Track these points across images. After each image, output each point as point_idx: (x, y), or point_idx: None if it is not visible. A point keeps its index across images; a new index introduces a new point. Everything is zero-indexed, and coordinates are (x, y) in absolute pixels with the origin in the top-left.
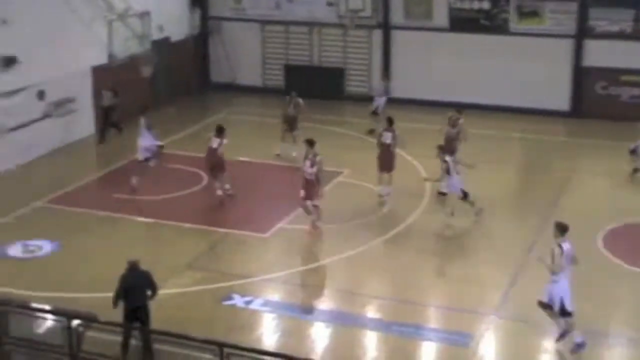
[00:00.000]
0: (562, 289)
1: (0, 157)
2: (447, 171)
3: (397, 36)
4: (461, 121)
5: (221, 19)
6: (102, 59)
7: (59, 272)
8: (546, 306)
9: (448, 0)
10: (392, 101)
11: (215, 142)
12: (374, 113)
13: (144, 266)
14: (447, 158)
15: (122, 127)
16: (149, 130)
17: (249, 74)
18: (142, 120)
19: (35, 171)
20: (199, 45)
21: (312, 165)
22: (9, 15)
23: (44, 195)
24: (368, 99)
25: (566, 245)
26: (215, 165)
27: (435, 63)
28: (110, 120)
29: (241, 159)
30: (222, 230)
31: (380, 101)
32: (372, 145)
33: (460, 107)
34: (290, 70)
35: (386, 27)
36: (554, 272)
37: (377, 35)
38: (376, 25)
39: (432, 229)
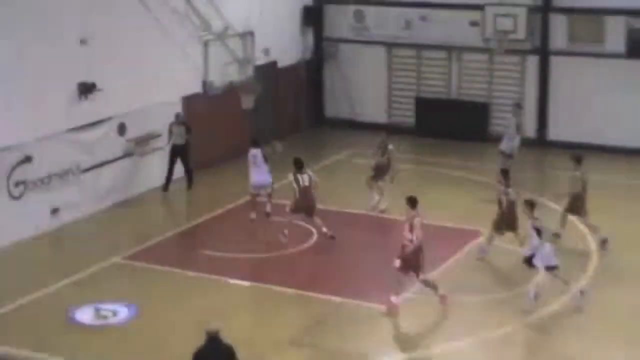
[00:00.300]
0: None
1: (71, 202)
2: (538, 233)
3: (558, 64)
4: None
5: (339, 40)
6: (195, 87)
7: (135, 344)
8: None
9: (626, 19)
10: (544, 144)
11: (305, 179)
12: (504, 154)
13: (236, 340)
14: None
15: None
16: (266, 163)
17: (372, 108)
18: (256, 152)
19: (112, 220)
20: (312, 72)
21: (411, 230)
22: (89, 34)
23: (121, 250)
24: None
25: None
26: (312, 205)
27: (606, 97)
28: (185, 163)
29: (362, 212)
30: (334, 299)
31: (511, 142)
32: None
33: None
34: (422, 105)
35: (544, 53)
36: None
37: (533, 62)
38: (531, 50)
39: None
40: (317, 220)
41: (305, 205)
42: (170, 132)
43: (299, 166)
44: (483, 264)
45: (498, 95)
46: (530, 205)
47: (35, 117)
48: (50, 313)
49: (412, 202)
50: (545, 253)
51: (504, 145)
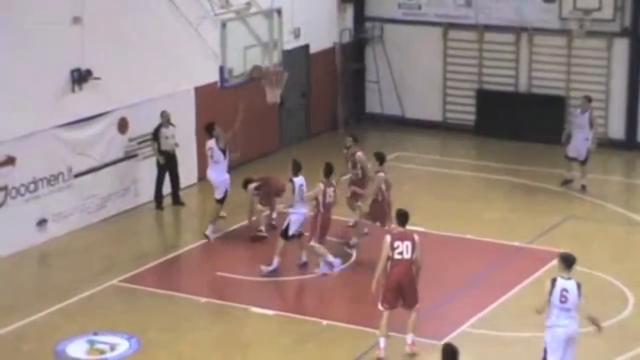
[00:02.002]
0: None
1: (61, 213)
2: None
3: None
4: (360, 154)
5: (384, 20)
6: (211, 76)
7: None
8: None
9: None
10: (633, 147)
11: (330, 194)
12: (570, 158)
13: None
14: None
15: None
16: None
17: (424, 103)
18: (211, 143)
19: (109, 234)
20: (351, 58)
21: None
22: (85, 11)
23: (120, 270)
24: (603, 144)
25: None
26: (328, 225)
27: None
28: (176, 174)
29: (410, 228)
30: (377, 332)
31: (582, 142)
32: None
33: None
34: (485, 99)
35: (635, 35)
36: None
37: (622, 46)
38: (620, 32)
39: None
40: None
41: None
42: (157, 136)
43: (327, 174)
44: None
45: (578, 88)
46: None
47: (19, 111)
48: (36, 346)
49: (380, 158)
50: None
51: (573, 151)
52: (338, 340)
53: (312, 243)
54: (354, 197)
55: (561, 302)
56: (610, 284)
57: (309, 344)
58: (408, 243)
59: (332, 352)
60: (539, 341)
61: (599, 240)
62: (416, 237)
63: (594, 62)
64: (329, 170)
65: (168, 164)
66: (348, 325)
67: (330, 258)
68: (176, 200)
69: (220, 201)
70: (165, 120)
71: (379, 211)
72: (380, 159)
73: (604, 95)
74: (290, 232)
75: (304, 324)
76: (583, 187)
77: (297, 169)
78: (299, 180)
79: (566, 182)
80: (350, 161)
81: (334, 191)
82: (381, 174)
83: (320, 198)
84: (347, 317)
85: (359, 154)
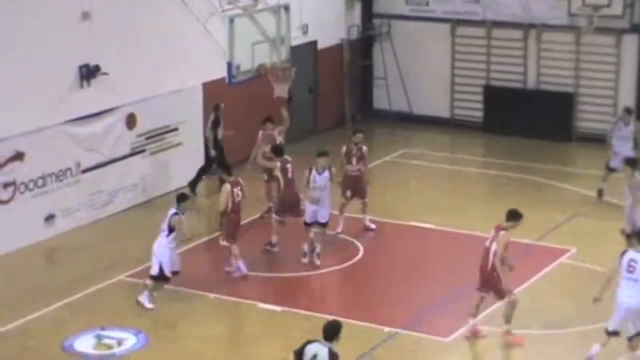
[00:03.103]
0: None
1: (69, 208)
2: None
3: None
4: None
5: (392, 17)
6: (218, 72)
7: None
8: None
9: None
10: None
11: (237, 193)
12: (611, 169)
13: None
14: None
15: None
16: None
17: (431, 99)
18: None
19: (117, 230)
20: (359, 54)
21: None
22: (93, 7)
23: (128, 265)
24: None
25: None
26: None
27: None
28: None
29: (418, 224)
30: (384, 329)
31: (629, 152)
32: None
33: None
34: (492, 95)
35: None
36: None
37: (631, 43)
38: (629, 28)
39: None
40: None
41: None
42: (216, 127)
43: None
44: (569, 290)
45: (586, 85)
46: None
47: (28, 107)
48: (43, 341)
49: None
50: None
51: (619, 162)
52: (345, 336)
53: (224, 243)
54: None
55: (628, 271)
56: (616, 282)
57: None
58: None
59: (339, 347)
60: (548, 338)
61: (607, 238)
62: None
63: (603, 58)
64: (230, 171)
65: (218, 155)
66: (354, 322)
67: (239, 262)
68: (193, 190)
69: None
70: (223, 112)
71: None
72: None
73: (612, 92)
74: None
75: (310, 320)
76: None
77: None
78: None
79: (600, 194)
80: (356, 157)
81: (241, 189)
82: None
83: (230, 198)
84: (354, 314)
85: (365, 148)
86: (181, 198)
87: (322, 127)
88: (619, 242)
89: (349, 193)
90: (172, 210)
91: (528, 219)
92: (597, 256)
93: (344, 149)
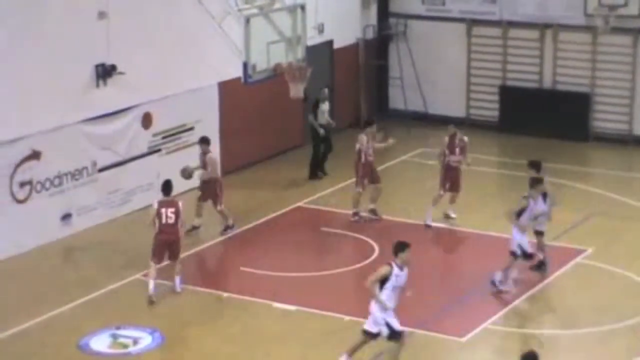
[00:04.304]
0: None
1: (85, 207)
2: None
3: None
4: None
5: (408, 16)
6: (234, 72)
7: None
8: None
9: None
10: None
11: (168, 214)
12: None
13: None
14: None
15: None
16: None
17: (447, 99)
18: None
19: (133, 228)
20: (374, 54)
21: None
22: (110, 6)
23: (143, 264)
24: (628, 141)
25: None
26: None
27: None
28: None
29: (434, 224)
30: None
31: None
32: (634, 210)
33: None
34: (508, 95)
35: None
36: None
37: None
38: None
39: None
40: None
41: None
42: (315, 110)
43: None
44: (585, 289)
45: (602, 85)
46: None
47: (44, 106)
48: (59, 339)
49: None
50: None
51: None
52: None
53: (151, 262)
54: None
55: None
56: (632, 282)
57: (331, 339)
58: None
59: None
60: (561, 338)
61: (623, 238)
62: None
63: (619, 58)
64: (169, 189)
65: (325, 136)
66: None
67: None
68: (322, 170)
69: None
70: (324, 96)
71: None
72: None
73: (628, 92)
74: None
75: (325, 319)
76: None
77: None
78: None
79: None
80: (459, 147)
81: (174, 212)
82: None
83: (156, 220)
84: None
85: (466, 138)
86: None
87: (337, 127)
88: (633, 242)
89: (448, 185)
90: None
91: None
92: (611, 256)
93: (445, 139)
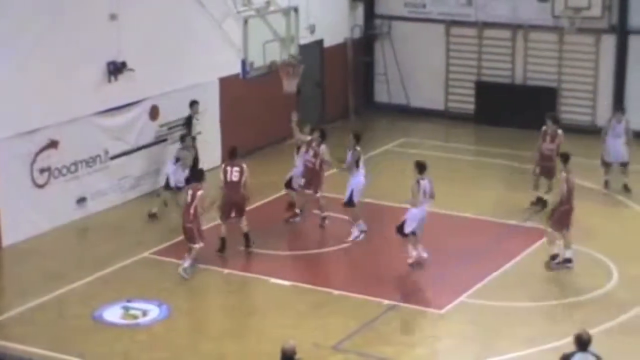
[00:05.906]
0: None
1: (99, 191)
2: None
3: (638, 44)
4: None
5: (392, 18)
6: (233, 68)
7: (167, 348)
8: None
9: None
10: None
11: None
12: (606, 164)
13: (275, 345)
14: None
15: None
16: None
17: (427, 93)
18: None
19: (142, 211)
20: (361, 52)
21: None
22: (119, 9)
23: (152, 243)
24: (591, 131)
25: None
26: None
27: None
28: None
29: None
30: (384, 302)
31: (622, 146)
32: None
33: None
34: (483, 90)
35: (622, 32)
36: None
37: (609, 42)
38: (608, 28)
39: None
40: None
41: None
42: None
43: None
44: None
45: (568, 80)
46: None
47: (61, 99)
48: (76, 311)
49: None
50: None
51: (612, 156)
52: (348, 308)
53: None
54: None
55: None
56: (593, 258)
57: (321, 311)
58: None
59: (342, 318)
60: (532, 311)
61: (583, 219)
62: None
63: (583, 56)
64: (235, 153)
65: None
66: (357, 295)
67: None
68: None
69: None
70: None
71: None
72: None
73: (592, 87)
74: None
75: (316, 293)
76: (625, 187)
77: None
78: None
79: (607, 184)
80: (550, 136)
81: (238, 171)
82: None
83: (222, 176)
84: (356, 288)
85: (560, 130)
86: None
87: (328, 119)
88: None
89: (538, 170)
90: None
91: (515, 202)
92: (575, 236)
93: (543, 128)
